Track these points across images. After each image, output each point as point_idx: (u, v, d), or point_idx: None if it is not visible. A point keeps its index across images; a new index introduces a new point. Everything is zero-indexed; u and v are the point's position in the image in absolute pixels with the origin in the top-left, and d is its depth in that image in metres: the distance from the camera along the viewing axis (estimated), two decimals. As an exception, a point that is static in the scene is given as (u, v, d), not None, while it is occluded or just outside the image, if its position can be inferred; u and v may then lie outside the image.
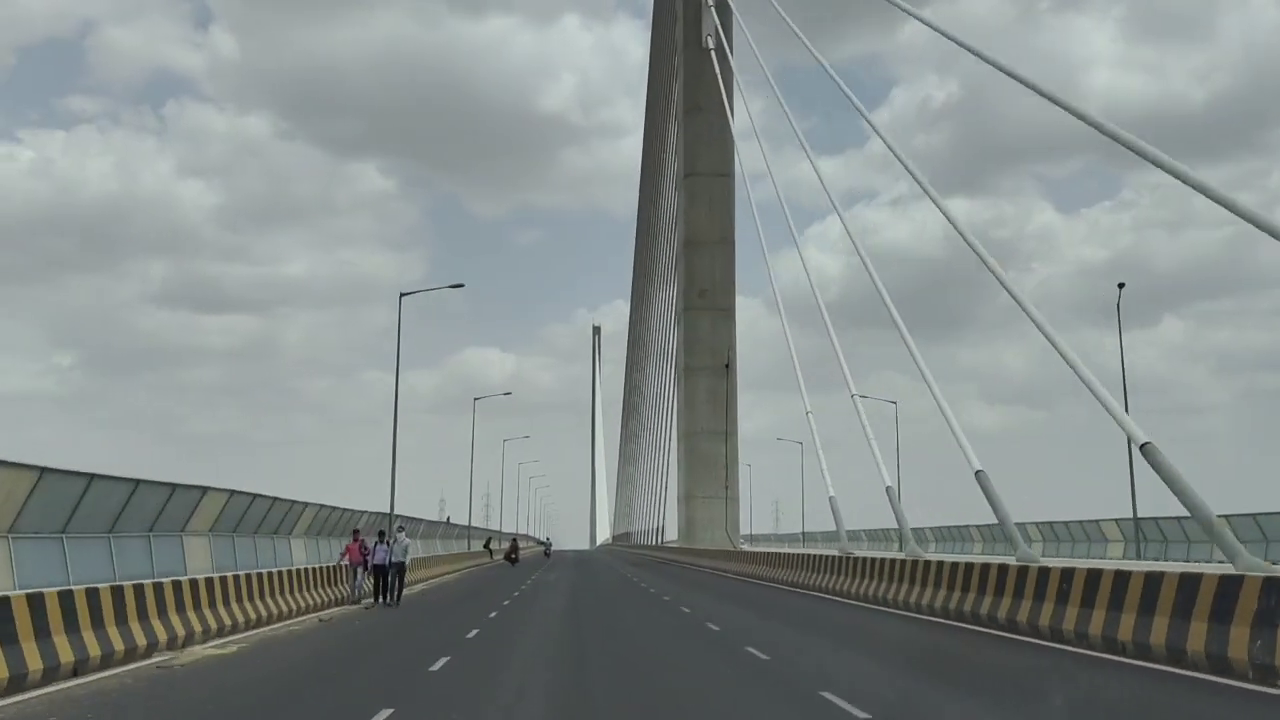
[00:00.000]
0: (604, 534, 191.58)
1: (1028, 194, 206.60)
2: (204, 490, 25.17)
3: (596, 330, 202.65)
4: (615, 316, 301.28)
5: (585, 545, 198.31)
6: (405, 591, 29.89)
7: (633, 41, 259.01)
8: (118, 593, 14.85)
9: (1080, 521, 47.11)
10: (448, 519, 70.51)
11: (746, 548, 64.67)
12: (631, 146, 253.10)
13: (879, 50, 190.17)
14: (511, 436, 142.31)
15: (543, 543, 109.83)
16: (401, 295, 35.39)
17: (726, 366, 66.37)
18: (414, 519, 57.11)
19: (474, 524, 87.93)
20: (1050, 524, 49.57)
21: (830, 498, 34.66)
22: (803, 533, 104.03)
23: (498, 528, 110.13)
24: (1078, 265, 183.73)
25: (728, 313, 67.06)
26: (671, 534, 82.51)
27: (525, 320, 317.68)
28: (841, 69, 51.30)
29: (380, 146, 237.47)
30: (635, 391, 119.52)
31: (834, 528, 34.21)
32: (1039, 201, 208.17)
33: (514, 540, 72.65)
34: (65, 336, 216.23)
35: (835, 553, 31.18)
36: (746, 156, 59.08)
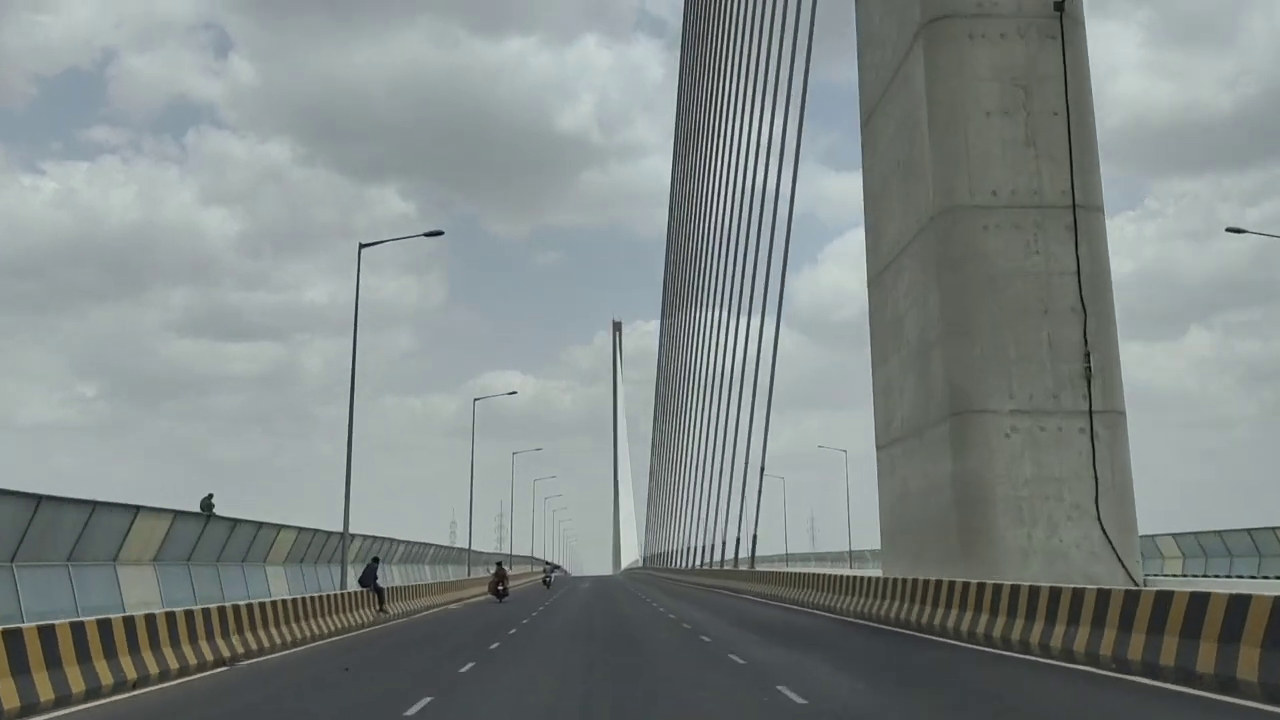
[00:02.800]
0: (630, 556, 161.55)
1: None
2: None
3: (617, 326, 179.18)
4: (636, 337, 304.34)
5: (608, 570, 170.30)
6: None
7: (652, 60, 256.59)
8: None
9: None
10: (206, 501, 25.70)
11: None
12: (652, 166, 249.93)
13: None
14: (499, 404, 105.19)
15: (547, 567, 79.38)
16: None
17: (1059, 8, 21.24)
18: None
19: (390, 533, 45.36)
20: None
21: None
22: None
23: (511, 551, 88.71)
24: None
25: None
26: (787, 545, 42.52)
27: (545, 342, 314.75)
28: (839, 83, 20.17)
29: (400, 169, 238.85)
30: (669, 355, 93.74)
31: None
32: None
33: (499, 567, 45.12)
34: (88, 366, 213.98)
35: None
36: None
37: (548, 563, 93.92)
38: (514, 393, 74.72)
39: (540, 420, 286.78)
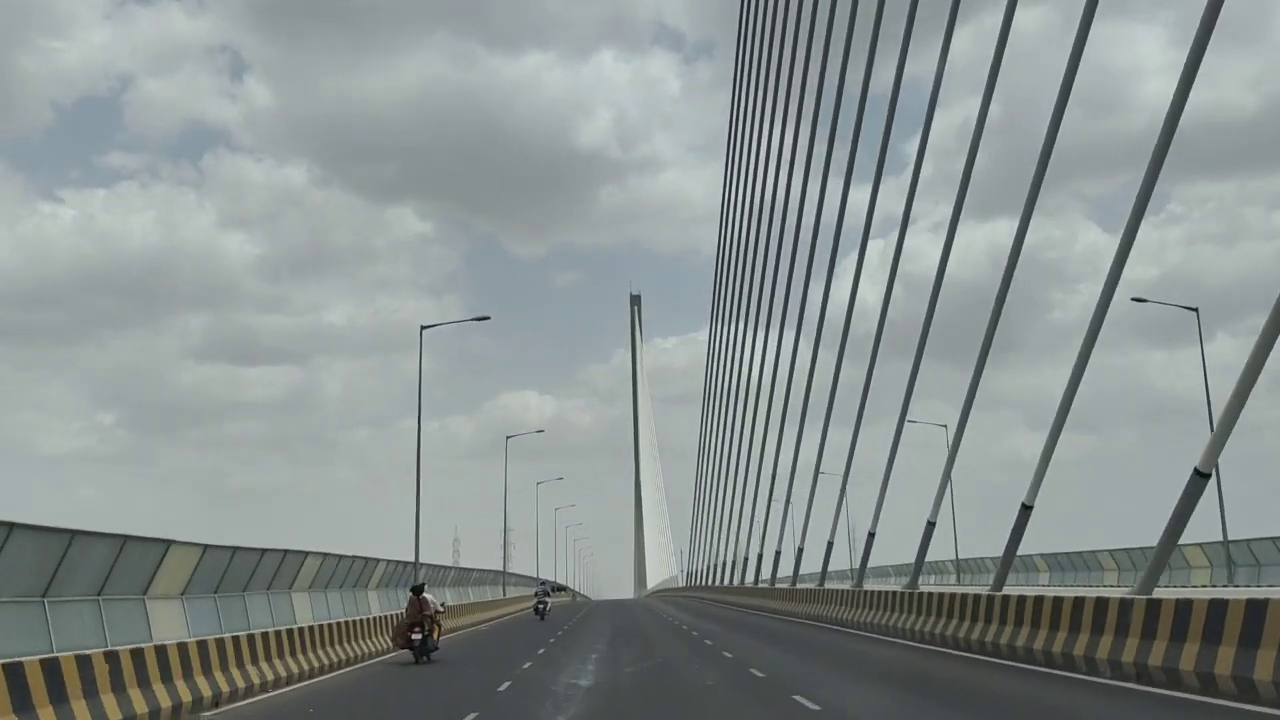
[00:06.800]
0: (657, 576, 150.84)
1: (1071, 212, 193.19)
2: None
3: (635, 300, 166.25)
4: (654, 354, 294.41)
5: (629, 593, 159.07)
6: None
7: (670, 74, 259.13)
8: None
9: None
10: None
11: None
12: (672, 180, 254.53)
13: (919, 73, 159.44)
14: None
15: (539, 590, 55.17)
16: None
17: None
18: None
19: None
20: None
21: None
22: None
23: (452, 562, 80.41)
24: (1126, 284, 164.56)
25: None
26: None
27: (564, 362, 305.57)
28: (881, 95, 40.23)
29: (417, 190, 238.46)
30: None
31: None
32: (1083, 220, 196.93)
33: (414, 597, 26.44)
34: (107, 395, 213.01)
35: None
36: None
37: (542, 582, 64.69)
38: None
39: (559, 438, 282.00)
